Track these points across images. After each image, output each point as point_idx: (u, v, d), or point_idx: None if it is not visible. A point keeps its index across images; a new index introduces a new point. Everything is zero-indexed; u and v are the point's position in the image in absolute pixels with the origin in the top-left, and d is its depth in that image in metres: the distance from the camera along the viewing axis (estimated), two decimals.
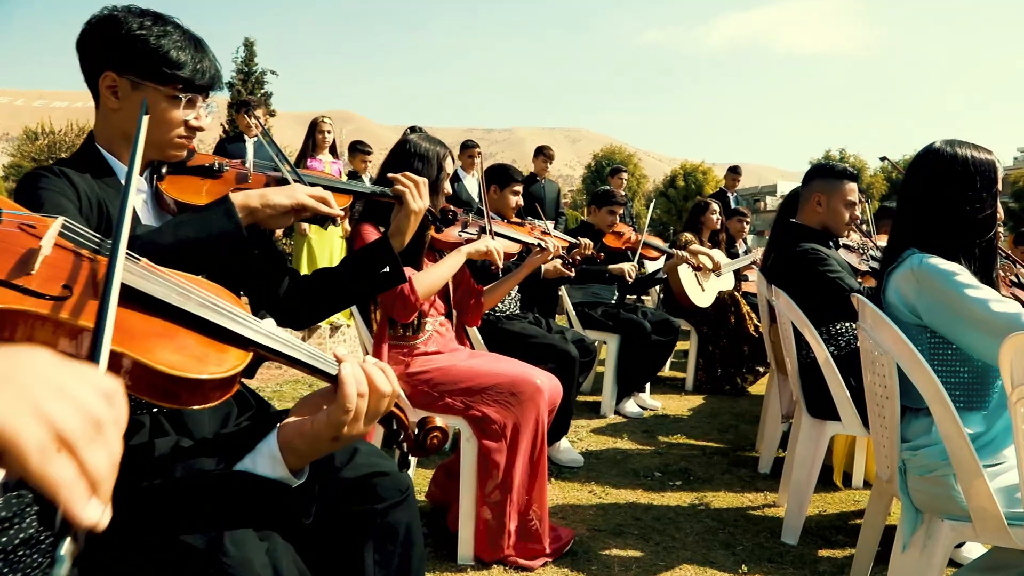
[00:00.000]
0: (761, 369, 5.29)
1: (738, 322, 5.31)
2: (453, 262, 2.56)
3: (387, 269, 1.69)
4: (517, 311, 3.85)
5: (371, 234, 2.43)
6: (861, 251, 3.02)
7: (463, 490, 2.51)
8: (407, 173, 1.83)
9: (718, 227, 5.76)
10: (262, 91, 33.44)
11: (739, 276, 5.85)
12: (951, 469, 1.71)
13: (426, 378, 2.58)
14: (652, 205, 5.94)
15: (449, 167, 2.60)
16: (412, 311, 2.41)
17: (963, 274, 1.78)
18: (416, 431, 1.14)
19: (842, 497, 3.27)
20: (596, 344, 5.11)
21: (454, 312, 2.85)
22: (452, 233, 2.77)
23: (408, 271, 2.36)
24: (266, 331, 0.96)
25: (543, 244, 2.90)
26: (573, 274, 3.39)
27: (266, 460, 1.05)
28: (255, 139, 6.05)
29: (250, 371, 0.94)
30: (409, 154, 2.54)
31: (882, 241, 5.87)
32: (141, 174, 1.48)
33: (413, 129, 2.95)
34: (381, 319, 2.50)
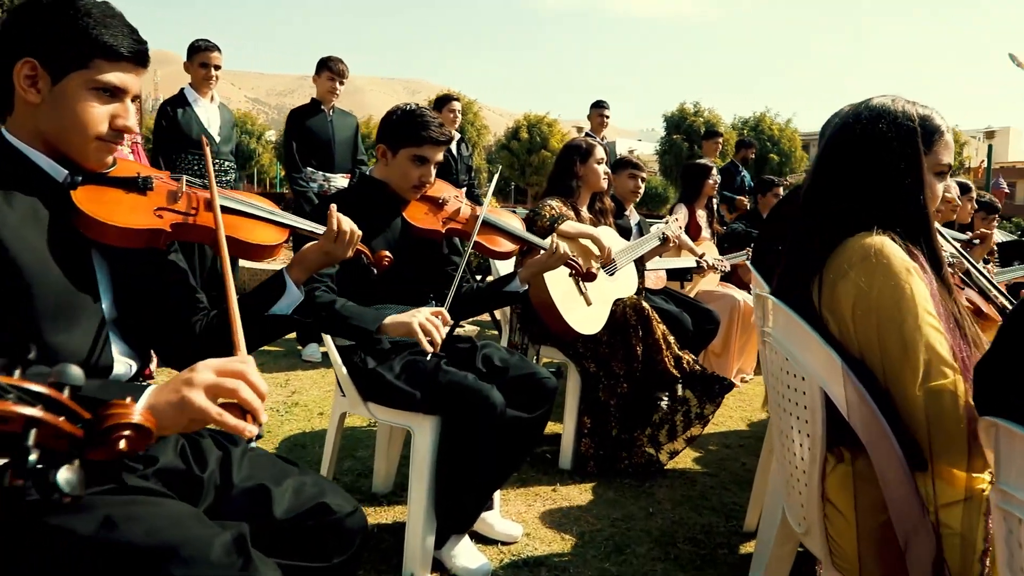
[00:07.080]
0: (682, 425, 3.13)
1: (649, 352, 3.10)
2: None
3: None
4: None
5: None
6: None
7: None
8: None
9: (605, 186, 3.53)
10: None
11: (640, 265, 3.64)
12: None
13: None
14: (496, 177, 3.06)
15: None
16: None
17: None
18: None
19: None
20: (392, 432, 2.75)
21: None
22: None
23: None
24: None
25: None
26: None
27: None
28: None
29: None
30: None
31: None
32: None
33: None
34: None
